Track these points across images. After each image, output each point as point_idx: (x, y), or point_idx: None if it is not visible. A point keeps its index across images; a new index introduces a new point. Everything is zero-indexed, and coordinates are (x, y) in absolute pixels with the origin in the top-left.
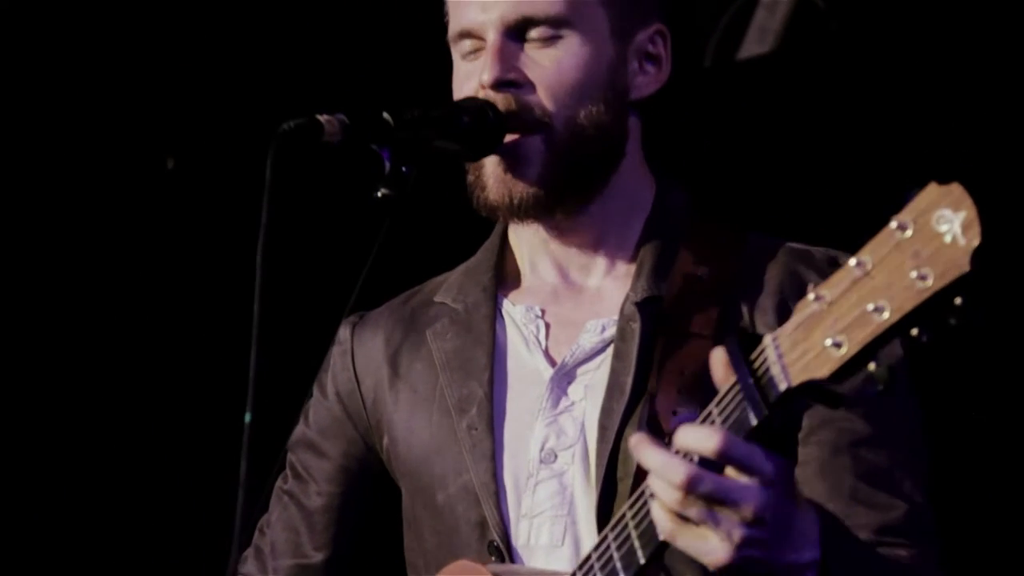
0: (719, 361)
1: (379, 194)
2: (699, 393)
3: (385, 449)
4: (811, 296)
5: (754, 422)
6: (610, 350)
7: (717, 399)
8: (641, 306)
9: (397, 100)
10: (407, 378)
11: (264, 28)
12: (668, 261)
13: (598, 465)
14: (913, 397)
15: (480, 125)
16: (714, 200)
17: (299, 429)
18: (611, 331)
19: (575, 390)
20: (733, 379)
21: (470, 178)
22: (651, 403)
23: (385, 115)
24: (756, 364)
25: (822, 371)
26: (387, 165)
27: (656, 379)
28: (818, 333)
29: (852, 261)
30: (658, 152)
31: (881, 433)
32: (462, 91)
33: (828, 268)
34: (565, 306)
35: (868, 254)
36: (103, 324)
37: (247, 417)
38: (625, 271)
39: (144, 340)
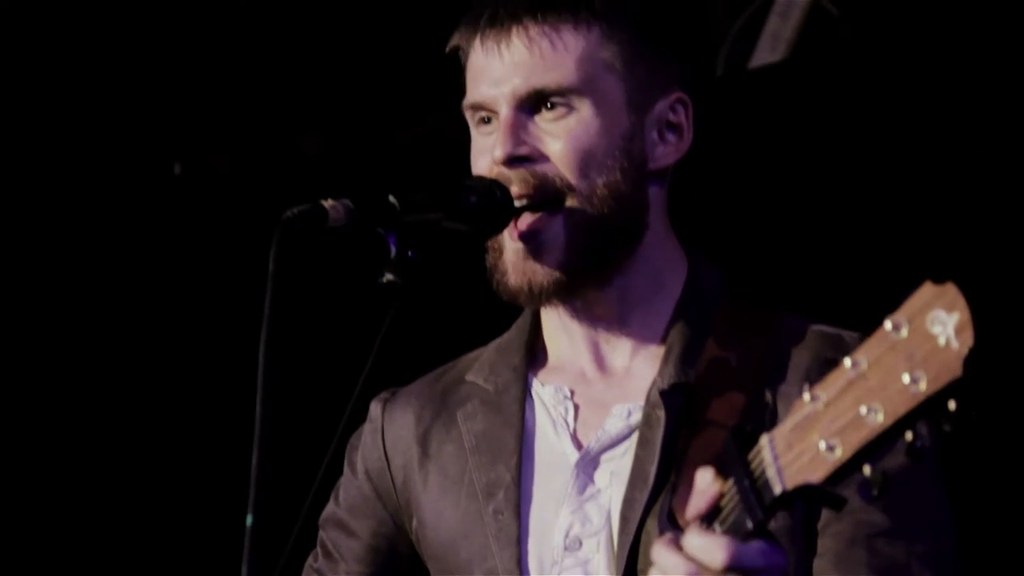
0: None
1: (384, 280)
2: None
3: (414, 530)
4: (807, 396)
5: (750, 526)
6: (635, 436)
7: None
8: (667, 394)
9: (404, 182)
10: (437, 459)
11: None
12: (698, 345)
13: (619, 556)
14: (940, 487)
15: (488, 204)
16: (747, 276)
17: (330, 507)
18: (637, 416)
19: (601, 476)
20: (731, 480)
21: (490, 261)
22: (672, 495)
23: (391, 199)
24: (753, 464)
25: (816, 475)
26: (392, 250)
27: (679, 470)
28: (813, 434)
29: (847, 361)
30: (687, 224)
31: (900, 525)
32: (477, 164)
33: None
34: (594, 387)
35: (863, 354)
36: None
37: (249, 519)
38: (655, 352)
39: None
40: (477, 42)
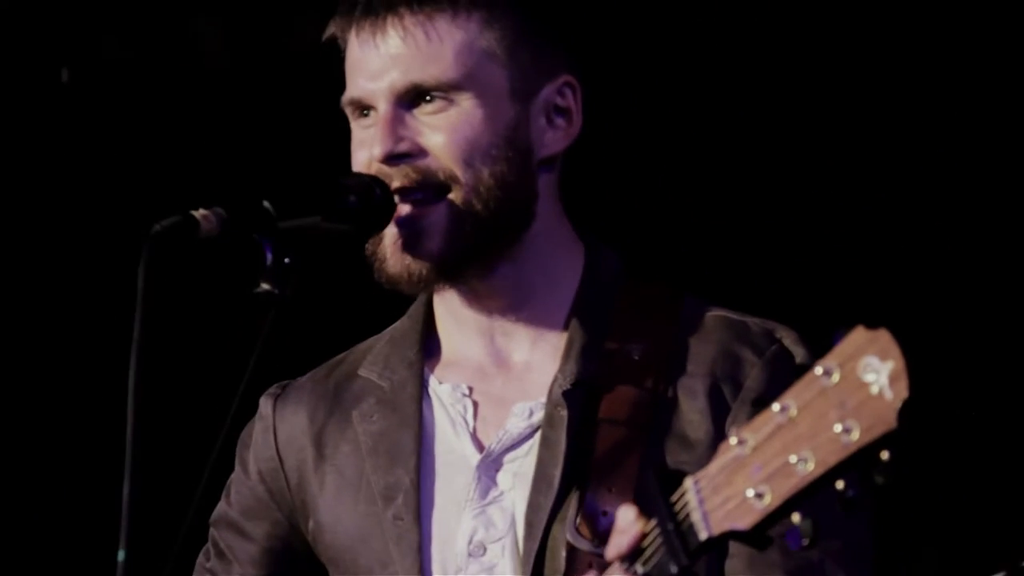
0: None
1: (260, 290)
2: (629, 492)
3: (310, 531)
4: (733, 440)
5: (674, 570)
6: (538, 436)
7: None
8: (569, 392)
9: (276, 184)
10: (333, 460)
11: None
12: (598, 337)
13: (524, 562)
14: (868, 512)
15: (367, 203)
16: (645, 256)
17: (221, 506)
18: (539, 415)
19: (504, 478)
20: (654, 521)
21: (368, 250)
22: (580, 500)
23: (266, 204)
24: (677, 507)
25: (744, 522)
26: (268, 257)
27: (585, 473)
28: (740, 480)
29: (776, 406)
30: (581, 207)
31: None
32: (357, 159)
33: (764, 343)
34: (493, 383)
35: (792, 399)
36: None
37: (121, 555)
38: (554, 345)
39: None
40: (352, 33)
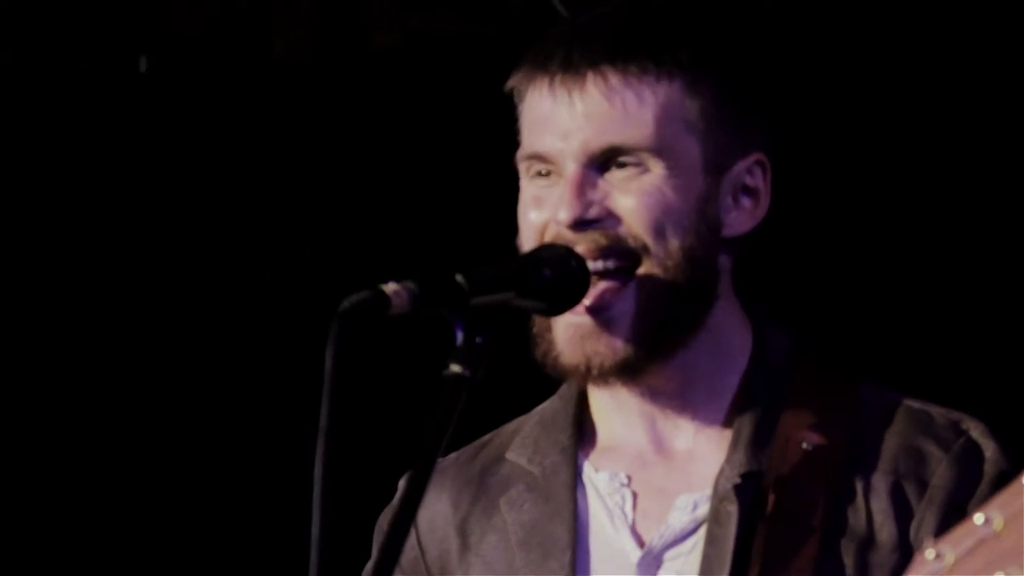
0: None
1: (451, 372)
2: None
3: None
4: (930, 553)
5: None
6: (703, 531)
7: None
8: (739, 487)
9: (462, 255)
10: (479, 551)
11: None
12: (769, 426)
13: None
14: None
15: (563, 277)
16: (818, 337)
17: None
18: (704, 509)
19: None
20: None
21: (536, 331)
22: None
23: (459, 278)
24: None
25: None
26: (459, 336)
27: (758, 573)
28: None
29: (979, 517)
30: (751, 288)
31: None
32: (527, 218)
33: (950, 436)
34: (654, 473)
35: (997, 510)
36: None
37: None
38: (720, 432)
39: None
40: (544, 86)
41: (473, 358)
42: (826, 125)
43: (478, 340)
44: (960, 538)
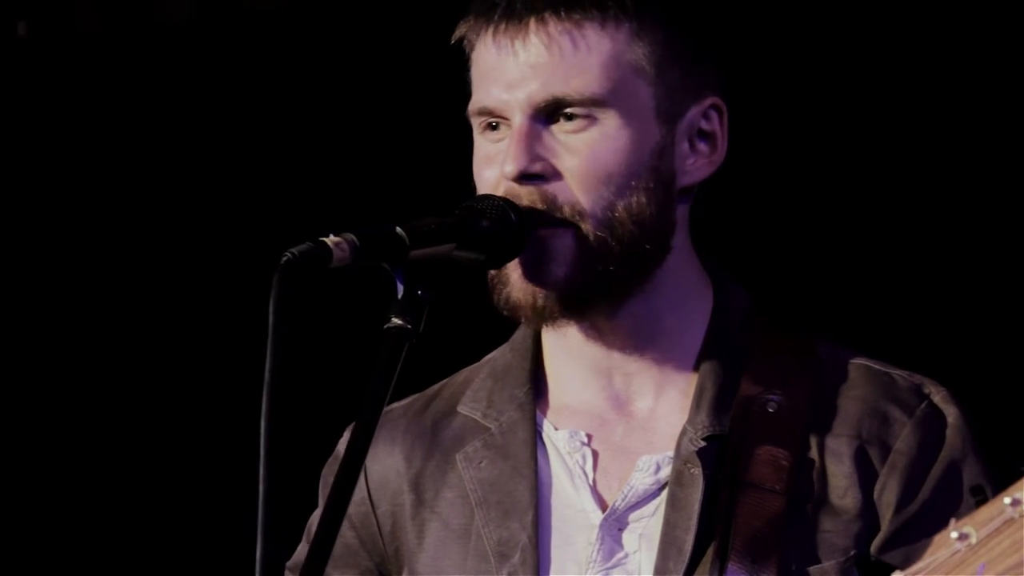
0: None
1: (393, 324)
2: (772, 565)
3: None
4: (953, 533)
5: None
6: (665, 494)
7: None
8: (703, 449)
9: (402, 208)
10: (434, 507)
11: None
12: (732, 387)
13: None
14: None
15: (502, 229)
16: (775, 295)
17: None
18: (666, 471)
19: (629, 540)
20: None
21: (491, 273)
22: (720, 570)
23: (399, 230)
24: None
25: None
26: (400, 288)
27: (722, 539)
28: None
29: (1007, 498)
30: (707, 238)
31: None
32: (482, 176)
33: (913, 401)
34: (614, 432)
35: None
36: None
37: None
38: (681, 392)
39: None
40: (488, 37)
41: (414, 310)
42: (783, 73)
43: (419, 292)
44: (986, 519)
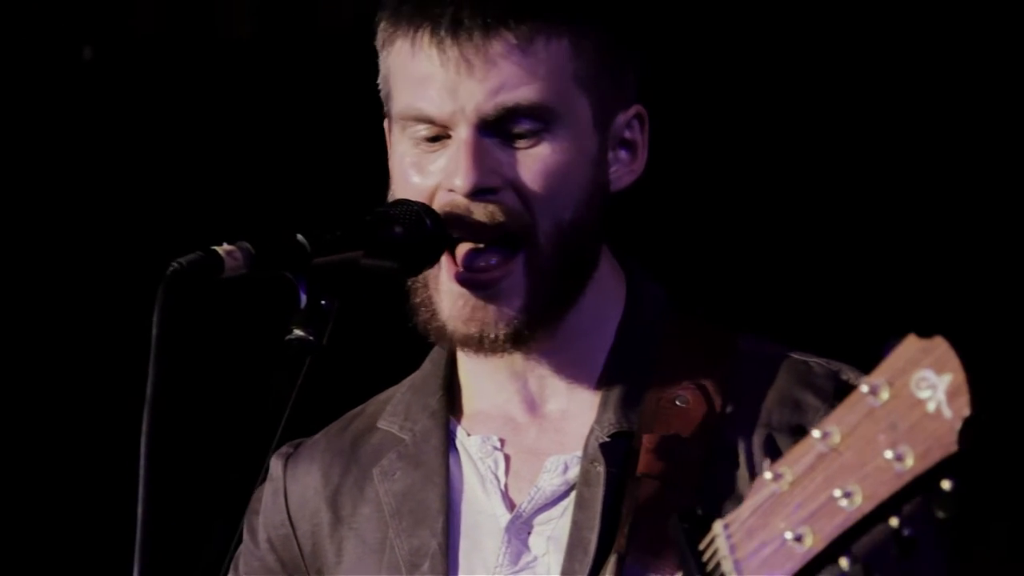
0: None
1: (294, 337)
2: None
3: None
4: (768, 474)
5: None
6: (573, 495)
7: None
8: (607, 445)
9: (314, 215)
10: (352, 523)
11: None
12: (642, 383)
13: None
14: (939, 551)
15: (416, 235)
16: (692, 288)
17: None
18: (575, 471)
19: (536, 543)
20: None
21: (416, 300)
22: (620, 566)
23: (300, 238)
24: (705, 556)
25: (782, 570)
26: (303, 298)
27: (626, 536)
28: (777, 521)
29: (816, 432)
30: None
31: None
32: (408, 181)
33: (829, 386)
34: (526, 435)
35: (835, 423)
36: None
37: None
38: (593, 392)
39: None
40: (426, 43)
41: (317, 321)
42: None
43: (323, 302)
44: (798, 456)
